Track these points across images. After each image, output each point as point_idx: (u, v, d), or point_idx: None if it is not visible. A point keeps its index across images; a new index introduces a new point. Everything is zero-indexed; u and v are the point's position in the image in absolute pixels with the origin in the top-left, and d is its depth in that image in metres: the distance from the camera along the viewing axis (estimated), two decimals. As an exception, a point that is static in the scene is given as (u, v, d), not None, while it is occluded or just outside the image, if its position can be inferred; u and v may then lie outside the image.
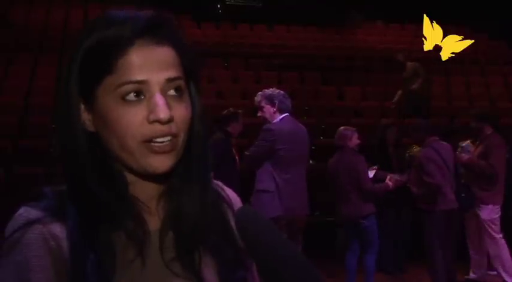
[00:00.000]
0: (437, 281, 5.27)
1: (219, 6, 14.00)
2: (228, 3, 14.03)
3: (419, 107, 9.26)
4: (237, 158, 5.34)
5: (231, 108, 5.53)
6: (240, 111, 5.49)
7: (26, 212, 0.82)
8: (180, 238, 0.88)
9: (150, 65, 0.81)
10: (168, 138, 0.82)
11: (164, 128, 0.81)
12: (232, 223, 0.90)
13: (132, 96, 0.81)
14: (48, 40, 10.36)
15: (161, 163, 0.83)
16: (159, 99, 0.81)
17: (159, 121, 0.81)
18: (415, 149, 5.75)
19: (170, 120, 0.82)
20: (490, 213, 5.37)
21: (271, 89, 4.75)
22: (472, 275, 5.75)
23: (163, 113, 0.80)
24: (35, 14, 11.59)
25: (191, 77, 0.88)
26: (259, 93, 4.73)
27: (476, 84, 11.36)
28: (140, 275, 0.84)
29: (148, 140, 0.82)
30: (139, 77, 0.81)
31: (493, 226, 5.36)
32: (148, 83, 0.81)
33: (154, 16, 0.84)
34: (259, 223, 0.79)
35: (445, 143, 5.41)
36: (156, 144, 0.82)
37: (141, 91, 0.81)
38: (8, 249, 0.81)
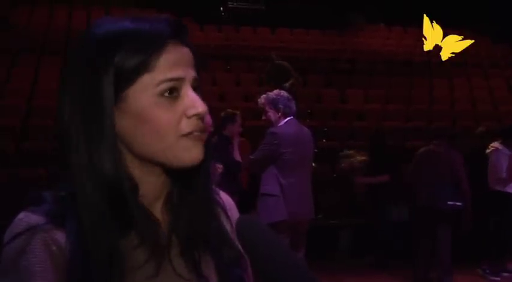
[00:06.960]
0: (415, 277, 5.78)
1: (221, 9, 14.01)
2: (230, 6, 14.03)
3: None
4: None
5: (228, 110, 5.44)
6: (237, 112, 5.38)
7: (27, 217, 0.81)
8: (183, 241, 0.88)
9: (183, 62, 0.85)
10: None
11: (201, 123, 0.85)
12: (226, 225, 0.93)
13: (167, 93, 0.84)
14: (50, 42, 10.37)
15: (198, 153, 0.85)
16: (195, 95, 0.85)
17: (199, 115, 0.84)
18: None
19: (206, 114, 0.85)
20: None
21: (275, 91, 4.67)
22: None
23: (201, 107, 0.84)
24: (38, 17, 11.60)
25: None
26: (263, 95, 4.66)
27: (479, 87, 11.34)
28: (151, 280, 0.84)
29: (187, 134, 0.84)
30: (177, 74, 0.84)
31: None
32: (184, 80, 0.85)
33: (177, 20, 0.88)
34: (258, 232, 0.79)
35: (442, 147, 5.65)
36: (192, 135, 0.84)
37: (175, 88, 0.84)
38: (9, 255, 0.79)
